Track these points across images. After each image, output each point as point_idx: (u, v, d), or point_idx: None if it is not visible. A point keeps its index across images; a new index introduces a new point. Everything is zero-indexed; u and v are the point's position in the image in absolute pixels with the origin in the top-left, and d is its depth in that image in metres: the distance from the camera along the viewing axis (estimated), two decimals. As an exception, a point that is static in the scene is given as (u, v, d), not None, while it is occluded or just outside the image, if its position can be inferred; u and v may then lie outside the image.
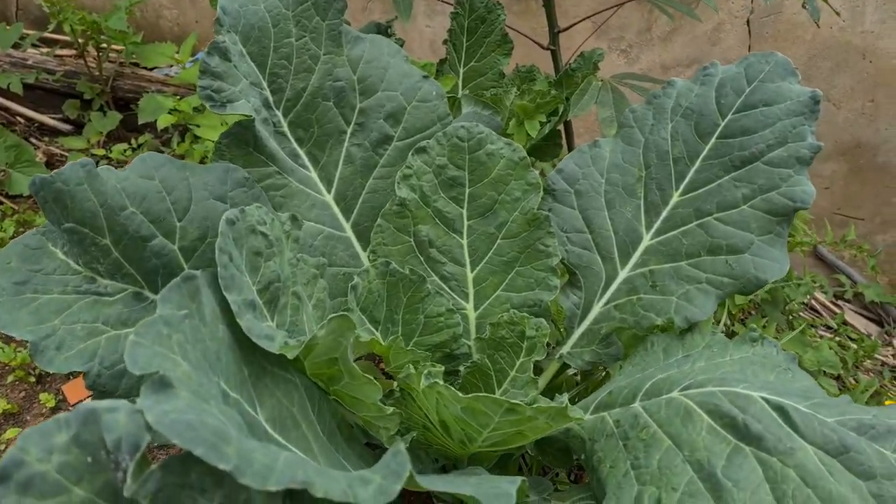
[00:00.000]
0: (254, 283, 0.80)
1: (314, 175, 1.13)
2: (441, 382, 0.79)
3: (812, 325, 2.46)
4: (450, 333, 1.06)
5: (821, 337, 2.42)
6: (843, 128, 2.72)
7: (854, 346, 2.30)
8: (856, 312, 2.77)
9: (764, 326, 2.05)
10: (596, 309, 1.12)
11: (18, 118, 2.61)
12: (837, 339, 2.34)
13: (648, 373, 0.95)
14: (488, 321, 1.07)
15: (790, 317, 2.26)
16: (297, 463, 0.50)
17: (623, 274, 1.11)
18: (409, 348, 0.97)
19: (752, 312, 2.28)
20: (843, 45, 2.58)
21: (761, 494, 0.72)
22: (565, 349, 1.13)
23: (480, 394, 0.76)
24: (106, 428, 0.48)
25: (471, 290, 1.13)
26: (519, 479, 0.66)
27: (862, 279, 2.76)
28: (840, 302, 2.78)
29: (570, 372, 1.21)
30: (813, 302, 2.68)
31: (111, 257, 0.93)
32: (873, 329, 2.73)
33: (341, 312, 0.74)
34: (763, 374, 0.89)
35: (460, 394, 0.77)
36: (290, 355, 0.73)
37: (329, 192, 1.14)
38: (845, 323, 2.43)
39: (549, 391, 1.15)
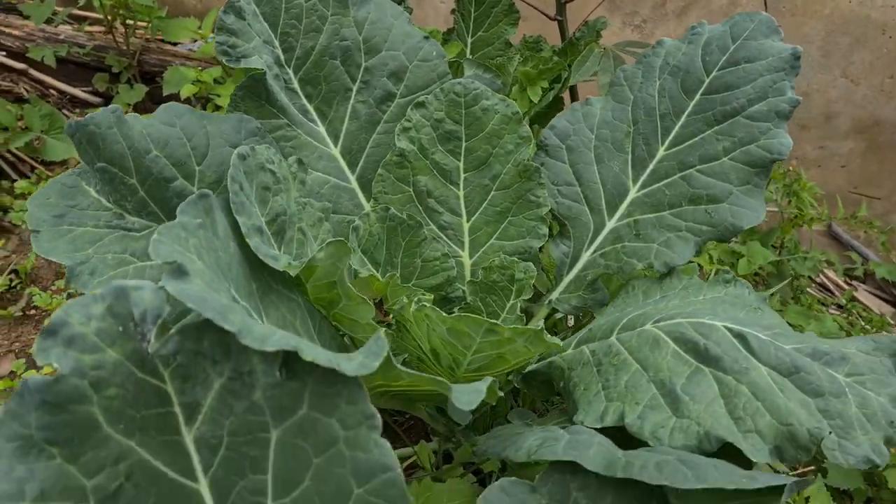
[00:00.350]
0: (262, 214, 0.91)
1: (322, 129, 1.23)
2: (428, 305, 0.89)
3: (823, 304, 2.50)
4: (445, 276, 1.16)
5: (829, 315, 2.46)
6: (862, 105, 2.74)
7: (862, 322, 2.34)
8: (870, 293, 2.80)
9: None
10: (584, 258, 1.21)
11: (52, 91, 2.76)
12: (846, 316, 2.38)
13: (626, 311, 1.04)
14: (481, 267, 1.16)
15: (797, 292, 2.31)
16: (289, 336, 0.60)
17: (610, 224, 1.19)
18: (405, 286, 1.07)
19: (760, 287, 2.33)
20: (862, 20, 2.60)
21: (715, 406, 0.81)
22: (554, 295, 1.22)
23: (462, 314, 0.86)
24: (134, 303, 0.59)
25: (466, 239, 1.22)
26: (490, 379, 0.76)
27: (878, 259, 2.78)
28: (855, 283, 2.81)
29: (559, 316, 1.29)
30: (825, 281, 2.71)
31: (138, 196, 1.04)
32: (887, 310, 2.75)
33: (339, 238, 0.84)
34: (733, 311, 0.97)
35: (444, 314, 0.86)
36: (293, 273, 0.84)
37: (336, 145, 1.24)
38: (853, 299, 2.47)
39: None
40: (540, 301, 1.25)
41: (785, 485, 0.66)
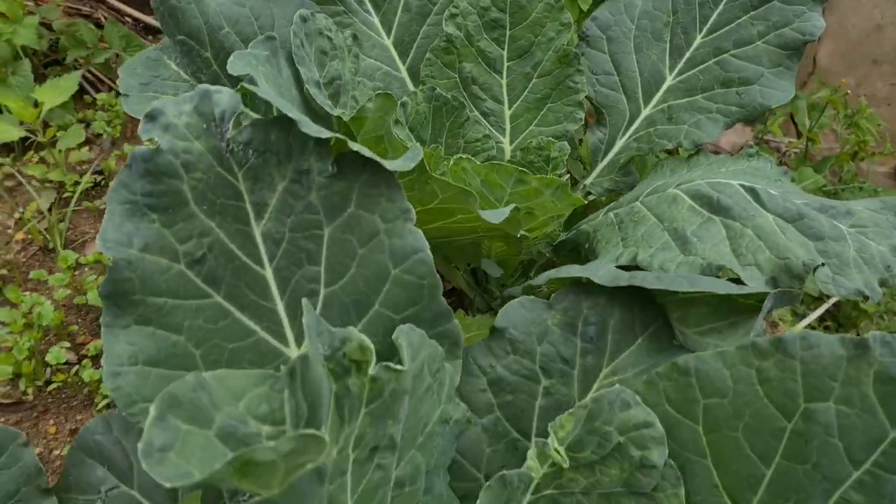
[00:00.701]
0: (320, 76, 1.04)
1: (376, 20, 1.35)
2: (465, 157, 1.01)
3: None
4: (485, 157, 1.27)
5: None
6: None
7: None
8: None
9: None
10: (619, 144, 1.30)
11: (127, 18, 2.97)
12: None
13: (652, 184, 1.13)
14: (519, 149, 1.27)
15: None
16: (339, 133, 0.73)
17: (645, 112, 1.27)
18: (447, 157, 1.19)
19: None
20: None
21: (720, 246, 0.91)
22: (588, 180, 1.32)
23: (495, 163, 0.97)
24: (215, 103, 0.73)
25: (507, 126, 1.33)
26: (512, 206, 0.87)
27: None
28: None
29: (591, 198, 1.39)
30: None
31: (211, 69, 1.19)
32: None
33: (387, 91, 0.96)
34: (753, 180, 1.05)
35: (479, 163, 0.98)
36: (346, 119, 0.97)
37: (388, 36, 1.36)
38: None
39: (572, 216, 1.35)
40: (575, 187, 1.35)
41: (768, 293, 0.76)
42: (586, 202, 1.06)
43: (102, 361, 0.69)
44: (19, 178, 1.96)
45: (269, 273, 0.80)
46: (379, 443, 0.66)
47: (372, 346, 0.60)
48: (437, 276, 0.74)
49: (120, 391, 0.67)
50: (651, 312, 0.88)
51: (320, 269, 0.80)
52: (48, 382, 1.45)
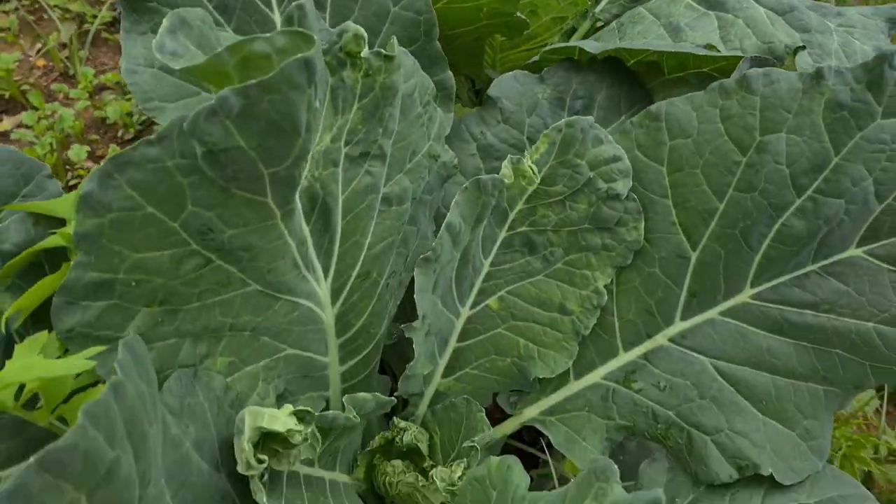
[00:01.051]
0: None
1: None
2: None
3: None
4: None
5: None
6: None
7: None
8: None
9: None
10: (631, -30, 1.31)
11: None
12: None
13: (657, -1, 1.15)
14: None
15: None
16: None
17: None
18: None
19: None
20: None
21: (710, 35, 0.95)
22: (598, 8, 1.35)
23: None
24: None
25: (522, -50, 1.34)
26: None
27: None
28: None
29: (600, 25, 1.42)
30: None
31: None
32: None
33: None
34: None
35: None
36: None
37: None
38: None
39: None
40: (585, 17, 1.38)
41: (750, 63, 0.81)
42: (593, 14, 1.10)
43: (121, 62, 0.76)
44: (44, 5, 2.00)
45: (276, 17, 0.86)
46: (369, 150, 0.74)
47: (366, 35, 0.66)
48: (434, 13, 0.79)
49: (137, 87, 0.75)
50: (638, 93, 0.93)
51: (325, 14, 0.86)
52: (69, 183, 1.54)
